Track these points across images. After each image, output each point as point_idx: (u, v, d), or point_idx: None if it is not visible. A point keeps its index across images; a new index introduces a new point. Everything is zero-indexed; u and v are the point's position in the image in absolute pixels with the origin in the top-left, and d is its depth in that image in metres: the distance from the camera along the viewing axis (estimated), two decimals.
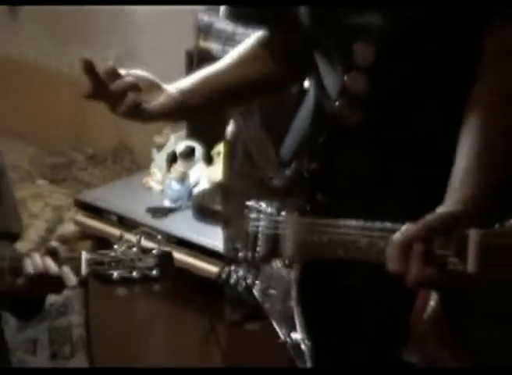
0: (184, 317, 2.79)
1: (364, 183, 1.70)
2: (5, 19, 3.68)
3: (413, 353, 1.57)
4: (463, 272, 1.27)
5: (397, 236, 1.36)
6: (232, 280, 1.82)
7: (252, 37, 1.88)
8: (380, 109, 1.65)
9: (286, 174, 1.77)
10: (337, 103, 1.67)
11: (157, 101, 1.70)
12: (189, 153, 2.79)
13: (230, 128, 2.47)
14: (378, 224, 1.45)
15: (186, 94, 1.77)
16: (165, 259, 1.96)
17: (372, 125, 1.66)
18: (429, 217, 1.35)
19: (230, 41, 2.60)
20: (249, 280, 1.78)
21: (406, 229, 1.36)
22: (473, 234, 1.26)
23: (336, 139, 1.72)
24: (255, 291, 1.78)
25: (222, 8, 1.92)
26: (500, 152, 1.49)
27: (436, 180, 1.50)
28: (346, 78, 1.64)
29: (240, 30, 2.51)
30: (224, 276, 1.83)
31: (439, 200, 1.44)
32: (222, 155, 2.74)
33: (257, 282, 1.77)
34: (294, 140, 1.86)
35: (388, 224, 1.43)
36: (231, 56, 1.85)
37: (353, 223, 1.51)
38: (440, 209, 1.40)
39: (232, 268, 1.81)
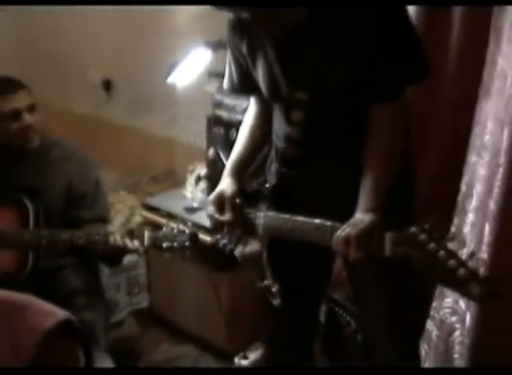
0: (203, 270, 2.77)
1: (305, 192, 1.75)
2: (101, 92, 3.72)
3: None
4: (381, 254, 1.45)
5: (341, 233, 1.51)
6: (220, 245, 1.88)
7: (249, 113, 1.91)
8: (309, 148, 1.71)
9: (254, 187, 1.87)
10: (284, 144, 1.75)
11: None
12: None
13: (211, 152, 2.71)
14: (317, 221, 1.58)
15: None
16: (193, 237, 2.08)
17: (305, 157, 1.72)
18: (359, 224, 1.49)
19: (233, 110, 2.58)
20: (230, 246, 1.86)
21: (347, 230, 1.50)
22: (388, 235, 1.44)
23: (282, 165, 1.79)
24: (236, 253, 1.85)
25: (225, 88, 1.89)
26: (386, 184, 1.59)
27: (353, 192, 1.60)
28: (289, 130, 1.72)
29: (239, 103, 2.51)
30: (216, 243, 1.90)
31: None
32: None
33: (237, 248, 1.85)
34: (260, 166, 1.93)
35: (325, 222, 1.57)
36: (246, 137, 1.88)
37: (300, 218, 1.62)
38: (363, 216, 1.52)
39: (219, 237, 1.87)
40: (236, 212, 1.78)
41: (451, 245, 1.37)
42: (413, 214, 1.73)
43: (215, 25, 1.95)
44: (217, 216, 1.77)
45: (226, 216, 1.76)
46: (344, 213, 1.57)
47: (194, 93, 2.97)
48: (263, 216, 1.77)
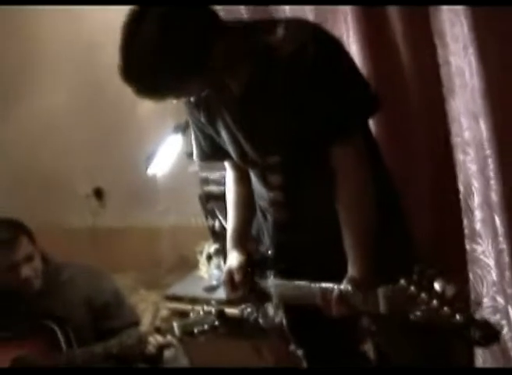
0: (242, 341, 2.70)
1: (308, 250, 1.74)
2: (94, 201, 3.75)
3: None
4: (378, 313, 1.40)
5: (333, 296, 1.49)
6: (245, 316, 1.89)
7: (228, 180, 1.90)
8: (296, 208, 1.72)
9: (261, 251, 1.87)
10: (271, 210, 1.75)
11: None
12: (216, 252, 2.87)
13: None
14: (318, 284, 1.57)
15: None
16: (220, 314, 2.06)
17: (289, 216, 1.74)
18: (350, 285, 1.48)
19: (220, 183, 2.53)
20: (254, 315, 1.88)
21: (337, 293, 1.48)
22: (380, 291, 1.39)
23: (277, 231, 1.80)
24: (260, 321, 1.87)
25: (196, 158, 1.87)
26: (366, 230, 1.55)
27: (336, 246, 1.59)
28: (271, 195, 1.73)
29: (224, 175, 2.43)
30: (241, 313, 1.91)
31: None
32: None
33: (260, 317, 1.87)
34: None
35: (324, 284, 1.54)
36: (234, 204, 1.88)
37: (302, 283, 1.61)
38: (354, 274, 1.51)
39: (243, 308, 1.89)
40: (249, 284, 1.79)
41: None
42: (415, 248, 1.71)
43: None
44: (232, 295, 1.81)
45: (239, 292, 1.79)
46: None
47: (180, 177, 2.99)
48: (273, 285, 1.77)
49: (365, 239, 1.55)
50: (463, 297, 1.28)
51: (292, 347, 1.86)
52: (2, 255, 2.25)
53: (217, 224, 2.79)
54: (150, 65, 1.39)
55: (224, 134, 1.69)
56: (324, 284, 1.54)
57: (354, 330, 1.96)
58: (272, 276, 1.78)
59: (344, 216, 1.58)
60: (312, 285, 1.57)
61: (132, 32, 1.40)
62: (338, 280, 1.54)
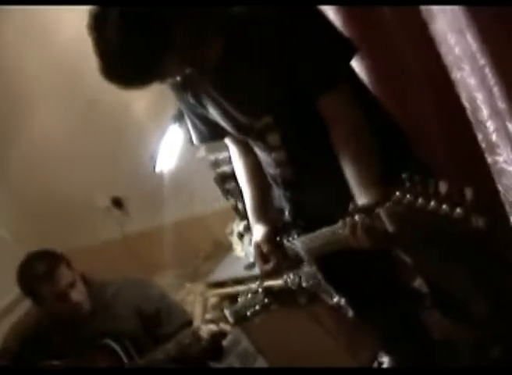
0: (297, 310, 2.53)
1: (313, 204, 1.78)
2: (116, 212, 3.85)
3: None
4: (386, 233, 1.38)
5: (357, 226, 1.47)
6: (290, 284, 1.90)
7: (234, 157, 1.92)
8: (300, 162, 1.73)
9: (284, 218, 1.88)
10: (277, 171, 1.77)
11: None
12: (246, 229, 2.87)
13: None
14: (329, 228, 1.59)
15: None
16: (268, 291, 2.06)
17: (302, 173, 1.74)
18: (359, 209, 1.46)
19: (231, 162, 2.21)
20: (297, 280, 1.89)
21: (351, 223, 1.46)
22: (381, 212, 1.37)
23: (286, 189, 1.82)
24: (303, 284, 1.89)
25: (196, 141, 1.88)
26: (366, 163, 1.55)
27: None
28: (273, 155, 1.74)
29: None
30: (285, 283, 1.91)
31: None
32: None
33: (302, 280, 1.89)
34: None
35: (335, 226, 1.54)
36: (245, 179, 1.88)
37: (323, 229, 1.62)
38: (360, 202, 1.50)
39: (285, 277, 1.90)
40: (279, 252, 1.79)
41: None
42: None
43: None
44: (266, 267, 1.81)
45: (272, 263, 1.79)
46: None
47: (192, 164, 3.05)
48: (299, 243, 1.78)
49: (366, 172, 1.56)
50: (458, 190, 1.17)
51: (336, 298, 1.83)
52: (47, 286, 2.28)
53: (239, 202, 2.80)
54: (124, 57, 1.42)
55: (213, 109, 1.69)
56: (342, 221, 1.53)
57: (394, 268, 1.96)
58: (296, 236, 1.79)
59: (342, 161, 1.59)
60: (333, 227, 1.56)
61: (98, 32, 1.42)
62: None
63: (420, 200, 1.21)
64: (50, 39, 3.38)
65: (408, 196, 1.23)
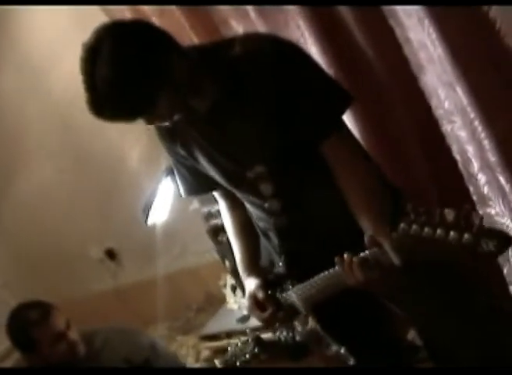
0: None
1: (309, 253, 1.73)
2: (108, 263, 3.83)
3: None
4: (391, 266, 1.36)
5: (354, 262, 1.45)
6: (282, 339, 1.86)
7: (223, 211, 1.87)
8: (294, 211, 1.69)
9: (275, 270, 1.83)
10: (271, 220, 1.72)
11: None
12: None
13: None
14: (326, 273, 1.57)
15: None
16: (258, 341, 2.00)
17: (297, 222, 1.70)
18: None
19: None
20: (290, 335, 1.85)
21: (348, 259, 1.45)
22: (386, 244, 1.35)
23: (282, 239, 1.76)
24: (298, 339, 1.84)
25: (184, 193, 1.83)
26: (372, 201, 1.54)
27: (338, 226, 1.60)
28: (267, 205, 1.69)
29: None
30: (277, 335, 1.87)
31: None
32: None
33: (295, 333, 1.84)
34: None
35: (331, 270, 1.53)
36: (234, 234, 1.84)
37: (323, 275, 1.59)
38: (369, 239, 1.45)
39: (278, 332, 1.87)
40: (273, 303, 1.75)
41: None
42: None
43: None
44: (262, 315, 1.76)
45: (268, 312, 1.74)
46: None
47: (185, 217, 3.03)
48: (294, 294, 1.74)
49: (371, 210, 1.53)
50: (464, 216, 1.15)
51: (334, 347, 1.78)
52: (43, 330, 2.28)
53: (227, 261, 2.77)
54: (114, 95, 1.40)
55: (203, 159, 1.67)
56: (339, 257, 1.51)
57: (391, 319, 1.92)
58: (290, 287, 1.76)
59: (349, 199, 1.56)
60: (328, 271, 1.55)
61: (89, 70, 1.40)
62: None
63: (426, 229, 1.19)
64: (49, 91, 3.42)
65: (414, 226, 1.21)
